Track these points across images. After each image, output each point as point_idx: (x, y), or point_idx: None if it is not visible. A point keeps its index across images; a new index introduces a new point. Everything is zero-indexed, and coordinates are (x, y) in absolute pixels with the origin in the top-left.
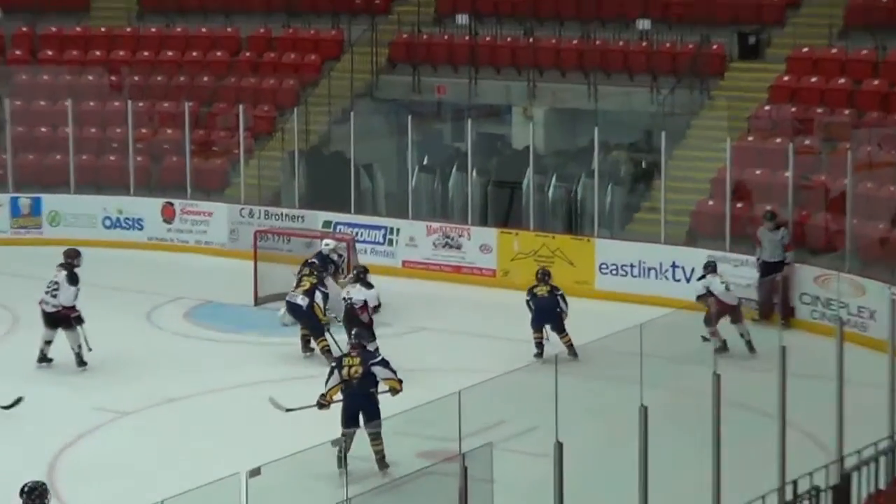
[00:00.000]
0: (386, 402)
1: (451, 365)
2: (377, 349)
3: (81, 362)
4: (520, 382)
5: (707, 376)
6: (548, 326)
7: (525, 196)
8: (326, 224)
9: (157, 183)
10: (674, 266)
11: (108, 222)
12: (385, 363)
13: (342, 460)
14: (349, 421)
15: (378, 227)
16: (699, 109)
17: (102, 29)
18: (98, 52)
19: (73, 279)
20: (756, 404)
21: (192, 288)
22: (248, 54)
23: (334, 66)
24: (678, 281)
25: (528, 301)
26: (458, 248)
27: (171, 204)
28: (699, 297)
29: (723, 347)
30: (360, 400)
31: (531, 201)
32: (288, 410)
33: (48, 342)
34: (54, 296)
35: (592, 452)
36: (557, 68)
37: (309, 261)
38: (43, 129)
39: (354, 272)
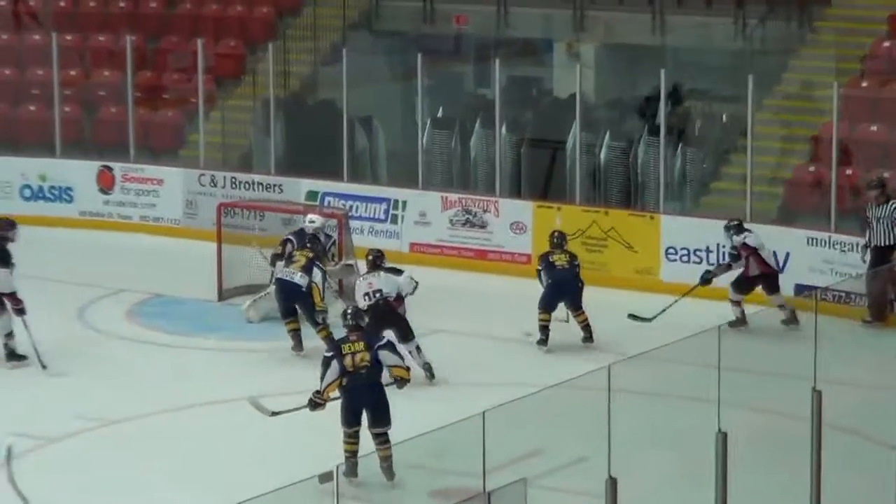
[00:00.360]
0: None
1: (474, 378)
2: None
3: (13, 355)
4: (562, 401)
5: (802, 392)
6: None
7: (570, 159)
8: (311, 195)
9: (90, 141)
10: None
11: (27, 192)
12: (392, 346)
13: (351, 466)
14: (353, 419)
15: (378, 200)
16: (798, 46)
17: None
18: None
19: (5, 259)
20: (864, 427)
21: (136, 278)
22: None
23: None
24: None
25: (539, 272)
26: (483, 226)
27: (110, 168)
28: (733, 260)
29: (741, 321)
30: (367, 394)
31: (578, 166)
32: (273, 414)
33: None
34: None
35: (655, 490)
36: None
37: (286, 238)
38: None
39: (370, 258)
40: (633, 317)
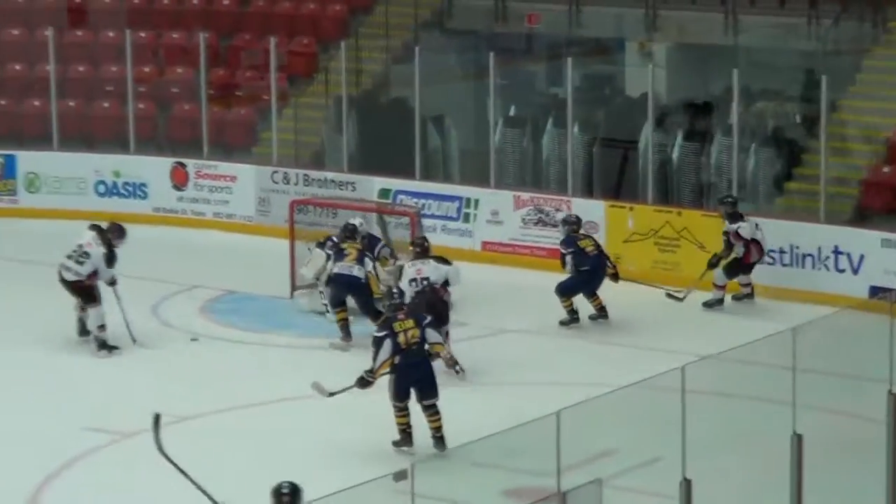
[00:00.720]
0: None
1: (545, 377)
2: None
3: (108, 347)
4: (636, 401)
5: (878, 395)
6: None
7: (642, 159)
8: (384, 193)
9: (164, 137)
10: (836, 252)
11: (101, 188)
12: (435, 324)
13: (406, 437)
14: (405, 394)
15: (451, 198)
16: (872, 46)
17: None
18: None
19: (111, 260)
20: None
21: (210, 274)
22: None
23: None
24: (842, 271)
25: (565, 256)
26: (555, 225)
27: (183, 165)
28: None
29: (720, 301)
30: (418, 369)
31: (650, 166)
32: (330, 395)
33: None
34: (81, 262)
35: (730, 492)
36: None
37: (329, 238)
38: (16, 67)
39: (417, 242)
40: (669, 296)
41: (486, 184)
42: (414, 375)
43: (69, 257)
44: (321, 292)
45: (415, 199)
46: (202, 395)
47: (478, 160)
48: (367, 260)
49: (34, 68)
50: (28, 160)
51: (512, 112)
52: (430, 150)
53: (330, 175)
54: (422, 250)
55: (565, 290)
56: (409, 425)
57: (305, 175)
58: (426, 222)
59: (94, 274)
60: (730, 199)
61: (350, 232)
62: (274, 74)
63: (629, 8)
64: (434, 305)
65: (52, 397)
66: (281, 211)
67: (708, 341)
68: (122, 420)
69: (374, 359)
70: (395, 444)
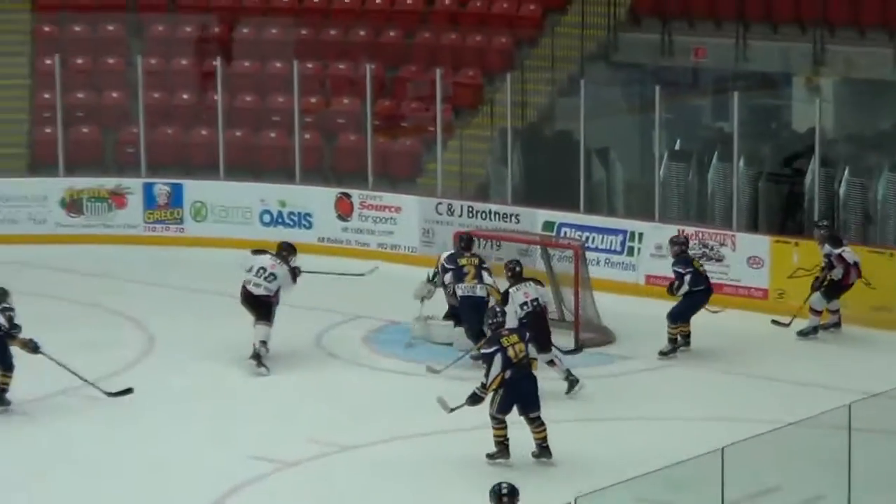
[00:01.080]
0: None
1: (710, 412)
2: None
3: (261, 364)
4: (801, 438)
5: None
6: None
7: (809, 193)
8: (548, 225)
9: (330, 168)
10: None
11: (267, 217)
12: (533, 339)
13: (504, 449)
14: (509, 408)
15: (615, 231)
16: None
17: None
18: None
19: (295, 276)
20: None
21: (373, 304)
22: (446, 2)
23: (560, 19)
24: None
25: (683, 276)
26: (720, 259)
27: (348, 196)
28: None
29: (815, 330)
30: (525, 383)
31: (816, 200)
32: (451, 411)
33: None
34: (269, 280)
35: None
36: (854, 25)
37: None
38: (185, 96)
39: (510, 266)
40: (775, 322)
41: (651, 217)
42: (523, 389)
43: (257, 275)
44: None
45: (578, 232)
46: (365, 424)
47: (642, 193)
48: (484, 274)
49: (202, 98)
50: (195, 189)
51: (677, 146)
52: (595, 183)
53: (494, 207)
54: (518, 273)
55: (679, 316)
56: (507, 437)
57: (470, 207)
58: (590, 255)
59: (278, 292)
60: (826, 224)
61: (466, 243)
62: (439, 106)
63: (796, 42)
64: (543, 331)
65: (218, 425)
66: (445, 242)
67: (876, 379)
68: (287, 449)
69: (487, 374)
70: (491, 456)
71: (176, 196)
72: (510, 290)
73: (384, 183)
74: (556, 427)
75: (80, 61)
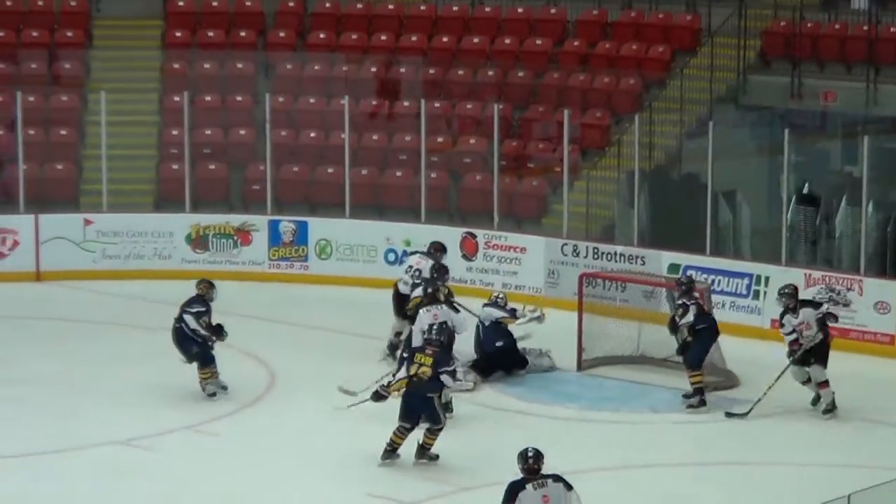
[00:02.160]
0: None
1: (834, 458)
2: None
3: (392, 349)
4: None
5: None
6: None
7: None
8: (673, 268)
9: (455, 207)
10: None
11: (392, 256)
12: (454, 374)
13: (389, 453)
14: (408, 417)
15: (741, 275)
16: None
17: (390, 6)
18: (384, 37)
19: (442, 273)
20: None
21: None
22: (576, 43)
23: (688, 61)
24: None
25: (689, 307)
26: (846, 304)
27: (474, 235)
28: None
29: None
30: (418, 402)
31: None
32: (349, 406)
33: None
34: (415, 277)
35: None
36: None
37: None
38: (312, 135)
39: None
40: (729, 415)
41: (777, 261)
42: (416, 406)
43: (406, 272)
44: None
45: (704, 275)
46: (484, 468)
47: (769, 237)
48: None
49: (329, 136)
50: (320, 227)
51: (805, 189)
52: (721, 226)
53: (620, 249)
54: (428, 295)
55: (696, 361)
56: (397, 443)
57: (595, 248)
58: (715, 298)
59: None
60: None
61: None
62: (567, 147)
63: None
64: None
65: (340, 463)
66: (570, 283)
67: None
68: (406, 488)
69: (394, 375)
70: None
71: (301, 233)
72: (420, 311)
73: (509, 223)
74: (672, 471)
75: (208, 99)
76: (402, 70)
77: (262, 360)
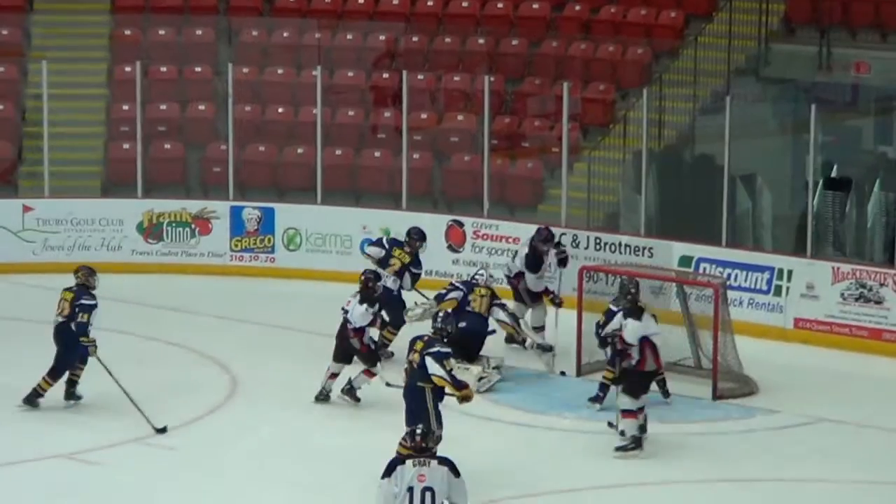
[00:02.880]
0: None
1: (859, 475)
2: None
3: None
4: None
5: None
6: None
7: None
8: (684, 261)
9: (440, 192)
10: None
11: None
12: (442, 356)
13: None
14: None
15: (761, 269)
16: None
17: None
18: (360, 0)
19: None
20: None
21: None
22: (577, 8)
23: (704, 27)
24: None
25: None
26: (879, 302)
27: (461, 224)
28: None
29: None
30: (408, 394)
31: None
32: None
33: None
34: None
35: None
36: None
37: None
38: (280, 110)
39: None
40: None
41: (802, 253)
42: (406, 397)
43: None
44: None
45: (719, 269)
46: (474, 480)
47: (793, 226)
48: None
49: (298, 113)
50: (288, 214)
51: (834, 172)
52: (739, 214)
53: (624, 239)
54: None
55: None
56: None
57: (597, 238)
58: (731, 295)
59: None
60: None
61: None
62: (566, 124)
63: None
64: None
65: (305, 483)
66: (569, 278)
67: None
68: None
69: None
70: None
71: (267, 221)
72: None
73: (501, 210)
74: (687, 487)
75: (163, 70)
76: (382, 38)
77: (223, 363)
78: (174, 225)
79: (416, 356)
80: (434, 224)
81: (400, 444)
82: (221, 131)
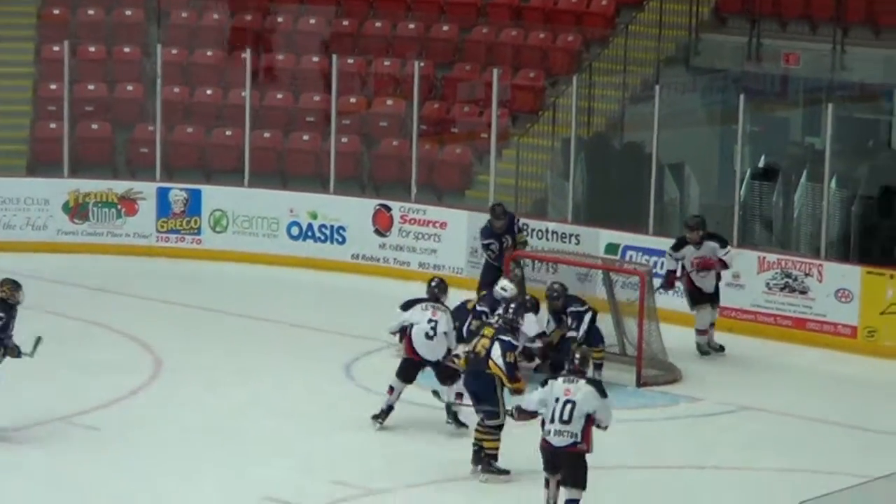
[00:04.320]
0: None
1: (785, 462)
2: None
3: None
4: (884, 495)
5: None
6: None
7: None
8: (611, 248)
9: (368, 177)
10: None
11: (295, 230)
12: (508, 347)
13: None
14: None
15: None
16: None
17: None
18: None
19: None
20: None
21: None
22: None
23: (634, 16)
24: None
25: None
26: (804, 292)
27: (388, 208)
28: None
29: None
30: (473, 381)
31: None
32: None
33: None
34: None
35: None
36: None
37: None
38: (208, 92)
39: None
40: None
41: (729, 242)
42: (471, 385)
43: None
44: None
45: (646, 257)
46: (399, 467)
47: (720, 215)
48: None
49: (227, 94)
50: (215, 196)
51: (762, 162)
52: (667, 202)
53: (552, 226)
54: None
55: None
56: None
57: (525, 225)
58: (657, 282)
59: None
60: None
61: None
62: (495, 110)
63: None
64: None
65: (231, 466)
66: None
67: None
68: (309, 493)
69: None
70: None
71: (193, 203)
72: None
73: (429, 195)
74: (610, 473)
75: (91, 49)
76: (312, 21)
77: (147, 344)
78: (100, 205)
79: (485, 341)
80: (361, 208)
81: (476, 430)
82: (149, 112)
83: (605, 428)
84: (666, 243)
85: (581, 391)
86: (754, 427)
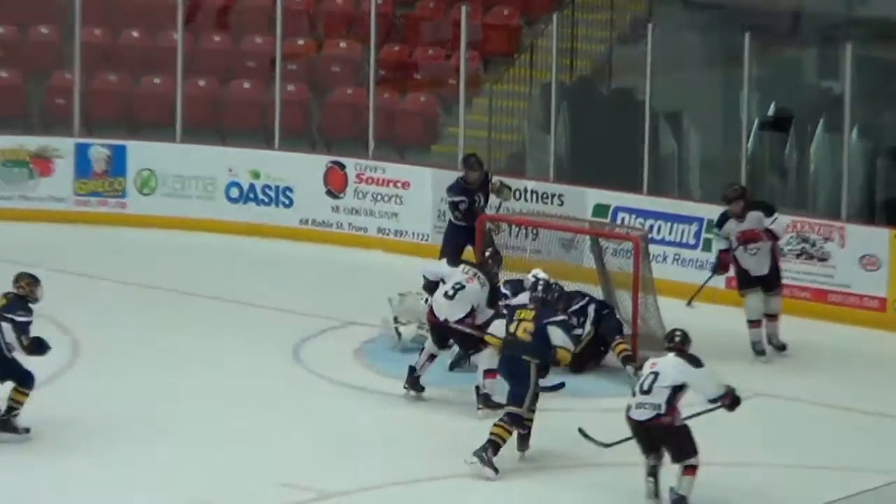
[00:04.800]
0: None
1: (801, 457)
2: None
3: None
4: None
5: None
6: None
7: None
8: (599, 210)
9: (318, 130)
10: None
11: (234, 192)
12: (565, 325)
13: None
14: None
15: (688, 219)
16: None
17: None
18: None
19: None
20: None
21: (370, 308)
22: None
23: None
24: None
25: None
26: (824, 259)
27: (341, 166)
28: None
29: None
30: (512, 366)
31: None
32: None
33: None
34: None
35: None
36: None
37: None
38: (134, 34)
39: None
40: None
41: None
42: (509, 370)
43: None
44: None
45: (640, 220)
46: (354, 465)
47: (724, 171)
48: None
49: (156, 37)
50: (142, 153)
51: (771, 111)
52: (663, 157)
53: (531, 185)
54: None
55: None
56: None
57: (500, 182)
58: (654, 249)
59: None
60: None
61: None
62: (464, 54)
63: None
64: None
65: (159, 464)
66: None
67: None
68: (253, 496)
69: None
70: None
71: (118, 162)
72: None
73: (389, 150)
74: (599, 470)
75: None
76: None
77: (63, 324)
78: (9, 165)
79: (529, 325)
80: (311, 166)
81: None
82: (67, 58)
83: (719, 402)
84: (662, 204)
85: (667, 362)
86: (764, 416)
